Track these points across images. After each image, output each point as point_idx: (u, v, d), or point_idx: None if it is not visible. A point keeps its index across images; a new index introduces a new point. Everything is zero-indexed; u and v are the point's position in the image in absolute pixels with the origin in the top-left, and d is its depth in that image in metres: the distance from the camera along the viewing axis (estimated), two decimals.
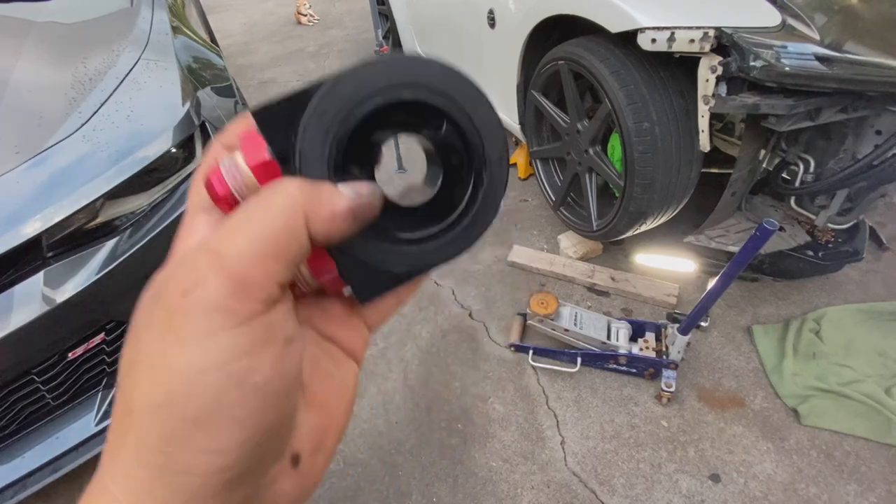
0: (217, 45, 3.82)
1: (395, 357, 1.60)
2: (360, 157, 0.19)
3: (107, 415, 1.17)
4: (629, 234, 1.52)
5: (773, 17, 0.93)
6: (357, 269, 0.20)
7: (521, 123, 1.88)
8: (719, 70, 1.00)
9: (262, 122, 0.19)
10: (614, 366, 1.44)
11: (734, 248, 1.34)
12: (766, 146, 1.23)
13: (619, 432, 1.35)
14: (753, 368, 1.45)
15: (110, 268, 1.02)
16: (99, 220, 1.05)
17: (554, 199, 1.81)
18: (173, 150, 1.17)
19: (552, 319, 1.45)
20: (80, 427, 1.15)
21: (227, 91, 1.47)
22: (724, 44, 0.99)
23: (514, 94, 1.84)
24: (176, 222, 1.16)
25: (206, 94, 1.33)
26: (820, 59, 0.90)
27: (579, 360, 1.46)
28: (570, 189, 1.68)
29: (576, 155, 1.56)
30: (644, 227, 1.48)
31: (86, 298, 1.00)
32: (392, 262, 0.20)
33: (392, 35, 3.51)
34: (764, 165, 1.31)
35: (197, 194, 0.21)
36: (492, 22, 1.79)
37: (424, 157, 0.21)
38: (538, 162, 1.88)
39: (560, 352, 1.49)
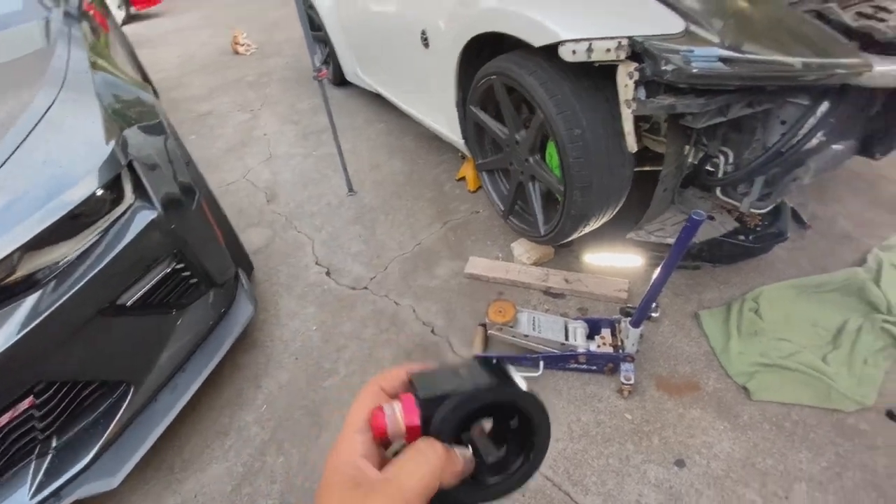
0: (149, 81, 3.69)
1: (358, 385, 1.56)
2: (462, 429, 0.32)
3: (42, 486, 1.06)
4: (575, 235, 1.57)
5: (677, 25, 1.01)
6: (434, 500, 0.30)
7: (465, 138, 1.92)
8: (636, 76, 1.07)
9: (419, 399, 0.31)
10: (575, 365, 1.47)
11: (671, 240, 1.42)
12: (689, 142, 1.31)
13: (586, 430, 1.37)
14: (704, 352, 1.53)
15: (33, 325, 0.95)
16: (17, 274, 0.98)
17: (502, 208, 1.85)
18: (99, 192, 1.11)
19: (511, 326, 1.47)
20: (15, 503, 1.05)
21: (156, 129, 1.42)
22: (637, 51, 1.06)
23: (454, 111, 1.89)
24: (110, 268, 1.10)
25: (133, 133, 1.28)
26: (722, 60, 0.98)
27: (541, 363, 1.48)
28: (517, 197, 1.73)
29: (517, 164, 1.60)
30: (589, 228, 1.53)
31: (7, 361, 0.92)
32: (473, 498, 0.32)
33: (332, 60, 3.52)
34: (690, 160, 1.40)
35: (356, 416, 0.32)
36: (426, 42, 1.83)
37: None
38: (484, 174, 1.93)
39: (522, 357, 1.50)
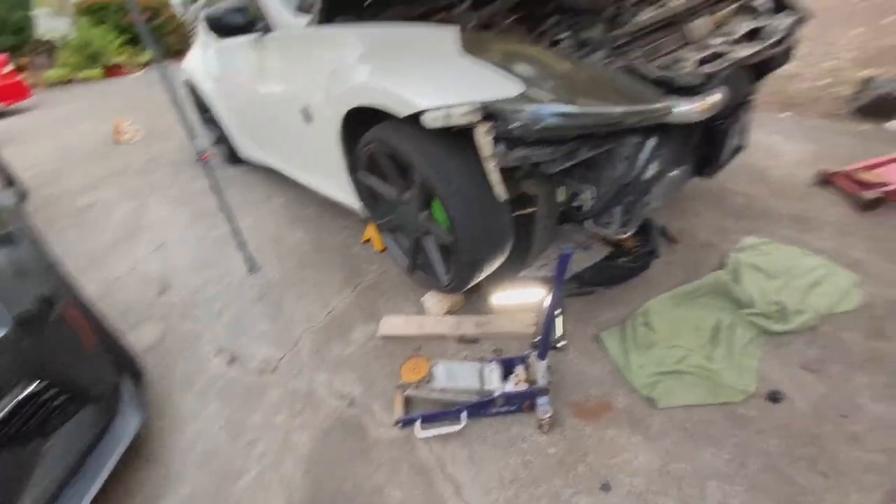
0: (12, 182, 3.35)
1: (275, 479, 1.43)
2: None
3: None
4: (475, 281, 1.63)
5: (517, 88, 1.15)
6: None
7: (361, 201, 1.96)
8: (491, 134, 1.18)
9: None
10: (496, 410, 1.48)
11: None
12: (555, 184, 1.45)
13: (516, 475, 1.36)
14: (610, 371, 1.62)
15: None
16: None
17: (406, 264, 1.88)
18: None
19: (427, 382, 1.45)
20: None
21: (5, 239, 1.28)
22: (490, 113, 1.17)
23: (346, 178, 1.93)
24: None
25: None
26: (558, 114, 1.13)
27: (464, 414, 1.46)
28: (417, 252, 1.77)
29: (411, 221, 1.66)
30: (486, 272, 1.60)
31: None
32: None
33: (224, 140, 3.47)
34: (562, 199, 1.54)
35: None
36: (307, 118, 1.89)
37: None
38: (386, 233, 1.96)
39: (444, 413, 1.48)
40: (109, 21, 11.67)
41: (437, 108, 1.22)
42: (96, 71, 10.79)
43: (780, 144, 2.82)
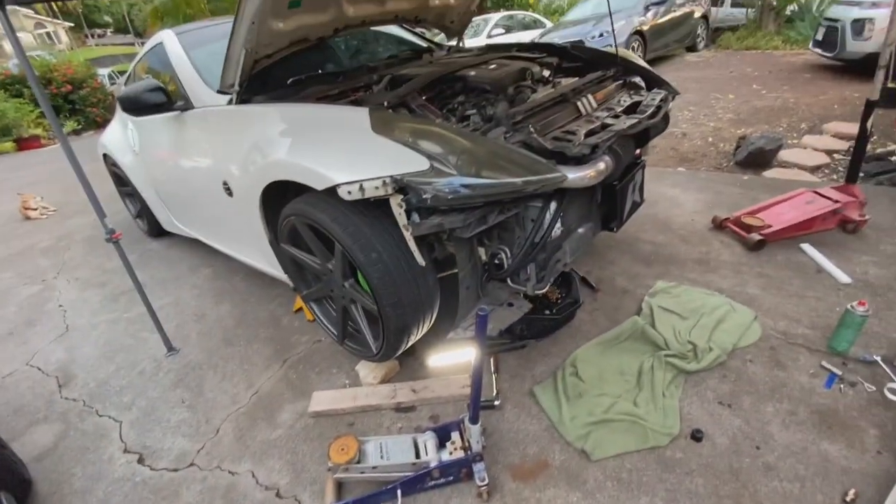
0: None
1: None
2: None
3: None
4: (405, 347, 1.62)
5: (423, 162, 1.23)
6: None
7: (286, 273, 1.92)
8: (404, 205, 1.24)
9: None
10: (433, 483, 1.42)
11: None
12: (473, 247, 1.52)
13: None
14: (545, 426, 1.62)
15: None
16: None
17: (336, 333, 1.83)
18: None
19: (357, 462, 1.38)
20: None
21: None
22: (402, 186, 1.23)
23: (270, 249, 1.89)
24: None
25: None
26: (464, 186, 1.21)
27: (399, 492, 1.39)
28: (346, 321, 1.74)
29: (337, 290, 1.64)
30: (416, 337, 1.60)
31: None
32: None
33: (146, 213, 3.32)
34: (484, 259, 1.60)
35: None
36: (229, 191, 1.87)
37: None
38: (312, 303, 1.92)
39: (378, 494, 1.40)
40: (28, 94, 11.18)
41: (352, 182, 1.26)
42: (7, 144, 10.12)
43: (678, 196, 3.16)
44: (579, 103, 1.65)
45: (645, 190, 2.91)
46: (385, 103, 1.59)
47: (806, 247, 2.39)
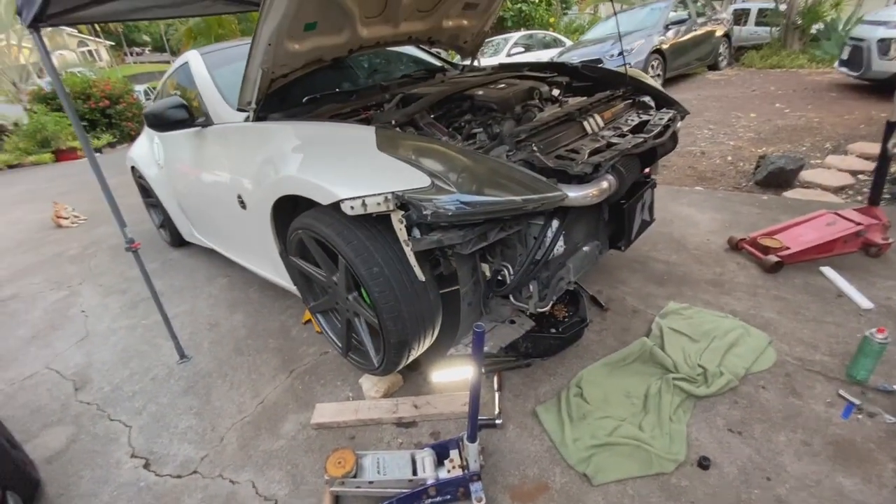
0: None
1: None
2: None
3: None
4: (406, 361, 1.62)
5: (425, 180, 1.25)
6: None
7: (295, 285, 1.96)
8: (404, 221, 1.26)
9: None
10: (429, 500, 1.41)
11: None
12: (475, 263, 1.53)
13: None
14: (547, 448, 1.59)
15: None
16: None
17: (340, 346, 1.85)
18: None
19: (354, 476, 1.38)
20: None
21: None
22: (404, 202, 1.26)
23: (280, 262, 1.94)
24: None
25: None
26: (463, 203, 1.23)
27: None
28: (350, 333, 1.76)
29: (341, 303, 1.67)
30: (417, 352, 1.60)
31: None
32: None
33: (168, 224, 3.44)
34: (487, 275, 1.61)
35: None
36: (243, 205, 1.93)
37: None
38: (319, 315, 1.95)
39: None
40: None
41: (354, 198, 1.29)
42: (46, 155, 10.66)
43: (694, 215, 3.11)
44: (585, 122, 1.65)
45: (660, 208, 2.88)
46: (393, 122, 1.63)
47: (826, 270, 2.31)
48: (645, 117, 1.82)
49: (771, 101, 5.95)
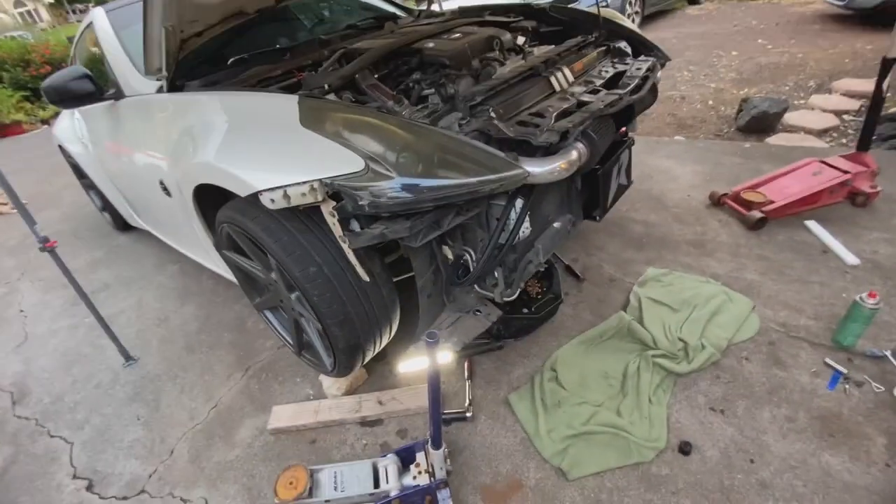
0: None
1: None
2: None
3: None
4: (361, 364, 1.47)
5: (358, 163, 1.03)
6: None
7: (236, 279, 1.75)
8: (336, 214, 1.05)
9: None
10: None
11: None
12: (435, 251, 1.34)
13: None
14: (521, 440, 1.49)
15: None
16: None
17: (292, 344, 1.68)
18: None
19: (309, 496, 1.25)
20: None
21: None
22: (335, 191, 1.04)
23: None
24: None
25: None
26: (406, 189, 1.02)
27: None
28: (300, 333, 1.58)
29: (286, 301, 1.48)
30: (371, 354, 1.45)
31: None
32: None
33: (109, 207, 3.13)
34: (450, 262, 1.42)
35: None
36: (166, 191, 1.68)
37: None
38: (267, 312, 1.76)
39: None
40: (7, 77, 10.75)
41: (274, 189, 1.07)
42: None
43: (674, 168, 2.93)
44: (553, 78, 1.42)
45: (638, 163, 2.70)
46: (326, 85, 1.37)
47: (811, 224, 2.20)
48: (621, 67, 1.58)
49: (753, 36, 5.65)
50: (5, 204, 4.48)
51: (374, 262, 1.28)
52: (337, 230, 1.08)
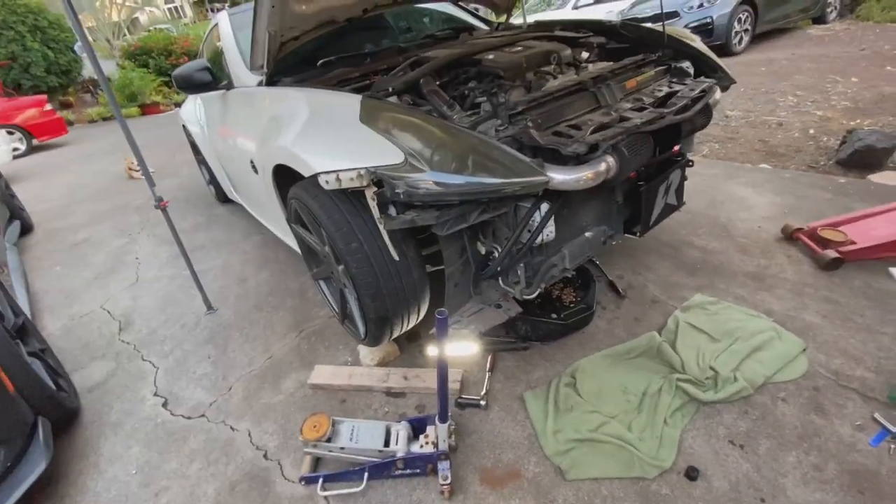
0: (15, 217, 3.59)
1: None
2: None
3: None
4: (388, 337, 1.63)
5: (399, 156, 1.19)
6: None
7: (300, 250, 2.01)
8: (376, 199, 1.22)
9: None
10: (398, 472, 1.44)
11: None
12: (462, 244, 1.46)
13: None
14: (528, 435, 1.56)
15: None
16: None
17: (337, 313, 1.90)
18: None
19: (328, 440, 1.44)
20: None
21: None
22: (379, 178, 1.21)
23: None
24: None
25: None
26: (436, 183, 1.16)
27: (365, 475, 1.43)
28: (345, 302, 1.79)
29: (335, 273, 1.69)
30: (400, 329, 1.60)
31: None
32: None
33: (214, 181, 3.65)
34: (481, 255, 1.54)
35: None
36: (255, 169, 1.98)
37: None
38: (321, 282, 1.99)
39: (346, 472, 1.45)
40: (152, 64, 12.71)
41: (329, 172, 1.26)
42: (133, 109, 11.60)
43: (750, 197, 2.76)
44: (599, 93, 1.48)
45: (711, 187, 2.62)
46: (390, 89, 1.56)
47: (895, 271, 1.98)
48: (676, 87, 1.59)
49: (881, 62, 5.03)
50: (137, 170, 5.33)
51: (409, 247, 1.43)
52: (375, 212, 1.24)
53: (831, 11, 7.48)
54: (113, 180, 5.32)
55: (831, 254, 2.06)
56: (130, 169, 5.20)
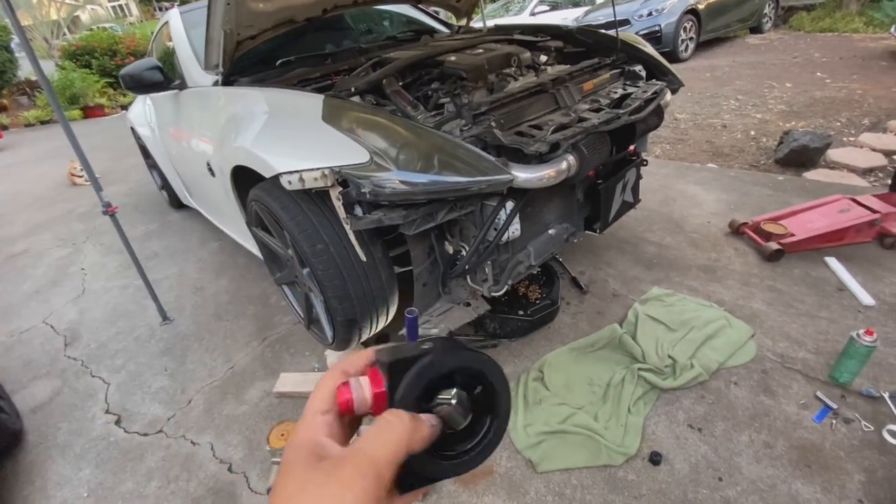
0: None
1: None
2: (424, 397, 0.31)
3: None
4: (357, 340, 1.61)
5: (364, 155, 1.18)
6: (405, 472, 0.29)
7: (261, 255, 1.95)
8: (341, 199, 1.20)
9: (384, 367, 0.32)
10: None
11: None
12: (434, 243, 1.47)
13: None
14: None
15: None
16: None
17: (303, 318, 1.85)
18: None
19: None
20: None
21: None
22: (343, 178, 1.20)
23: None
24: None
25: None
26: (402, 182, 1.16)
27: None
28: (310, 307, 1.75)
29: (299, 277, 1.65)
30: (369, 331, 1.58)
31: None
32: (431, 471, 0.31)
33: (167, 186, 3.48)
34: (450, 254, 1.55)
35: (318, 399, 0.32)
36: (211, 172, 1.91)
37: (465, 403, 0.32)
38: (284, 287, 1.94)
39: None
40: (95, 64, 11.97)
41: (292, 172, 1.24)
42: (75, 112, 10.89)
43: (699, 194, 2.92)
44: (558, 94, 1.52)
45: (664, 186, 2.73)
46: (353, 88, 1.55)
47: (831, 261, 2.15)
48: (630, 89, 1.66)
49: (812, 69, 5.45)
50: (81, 176, 5.02)
51: (377, 248, 1.42)
52: (341, 213, 1.23)
53: (767, 22, 8.03)
54: (54, 187, 4.97)
55: (773, 246, 2.21)
56: (73, 175, 4.87)
